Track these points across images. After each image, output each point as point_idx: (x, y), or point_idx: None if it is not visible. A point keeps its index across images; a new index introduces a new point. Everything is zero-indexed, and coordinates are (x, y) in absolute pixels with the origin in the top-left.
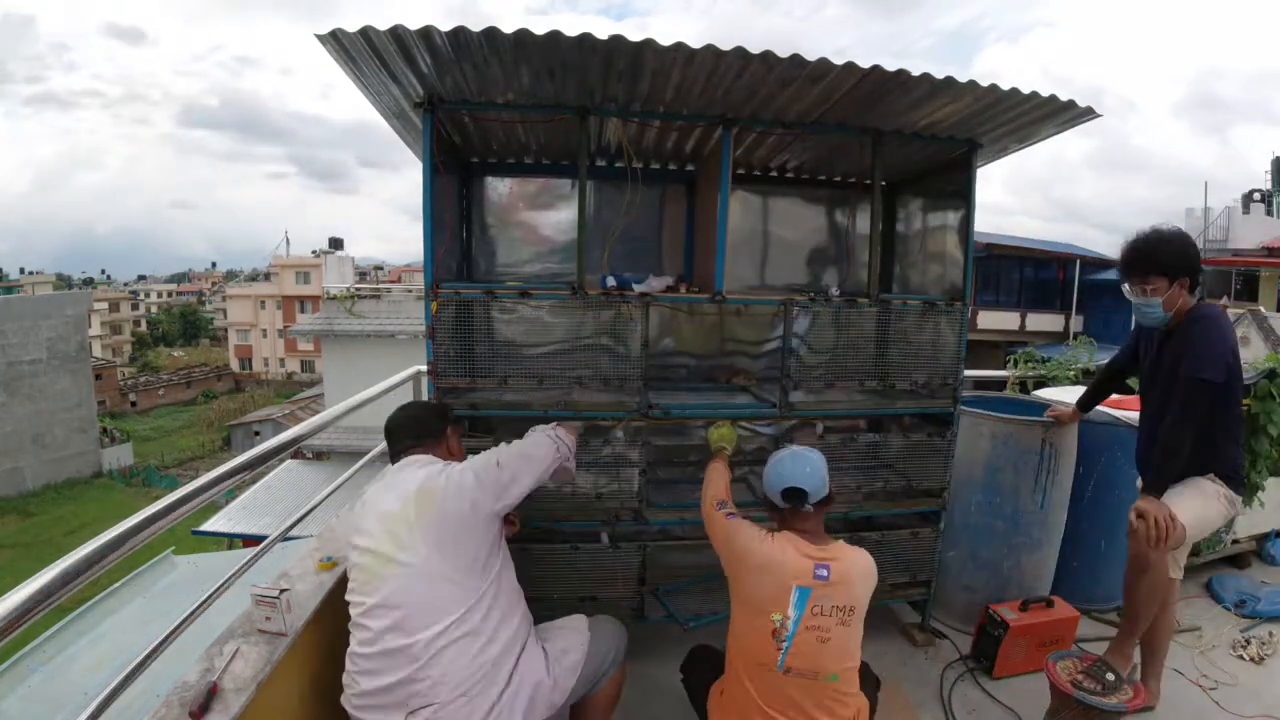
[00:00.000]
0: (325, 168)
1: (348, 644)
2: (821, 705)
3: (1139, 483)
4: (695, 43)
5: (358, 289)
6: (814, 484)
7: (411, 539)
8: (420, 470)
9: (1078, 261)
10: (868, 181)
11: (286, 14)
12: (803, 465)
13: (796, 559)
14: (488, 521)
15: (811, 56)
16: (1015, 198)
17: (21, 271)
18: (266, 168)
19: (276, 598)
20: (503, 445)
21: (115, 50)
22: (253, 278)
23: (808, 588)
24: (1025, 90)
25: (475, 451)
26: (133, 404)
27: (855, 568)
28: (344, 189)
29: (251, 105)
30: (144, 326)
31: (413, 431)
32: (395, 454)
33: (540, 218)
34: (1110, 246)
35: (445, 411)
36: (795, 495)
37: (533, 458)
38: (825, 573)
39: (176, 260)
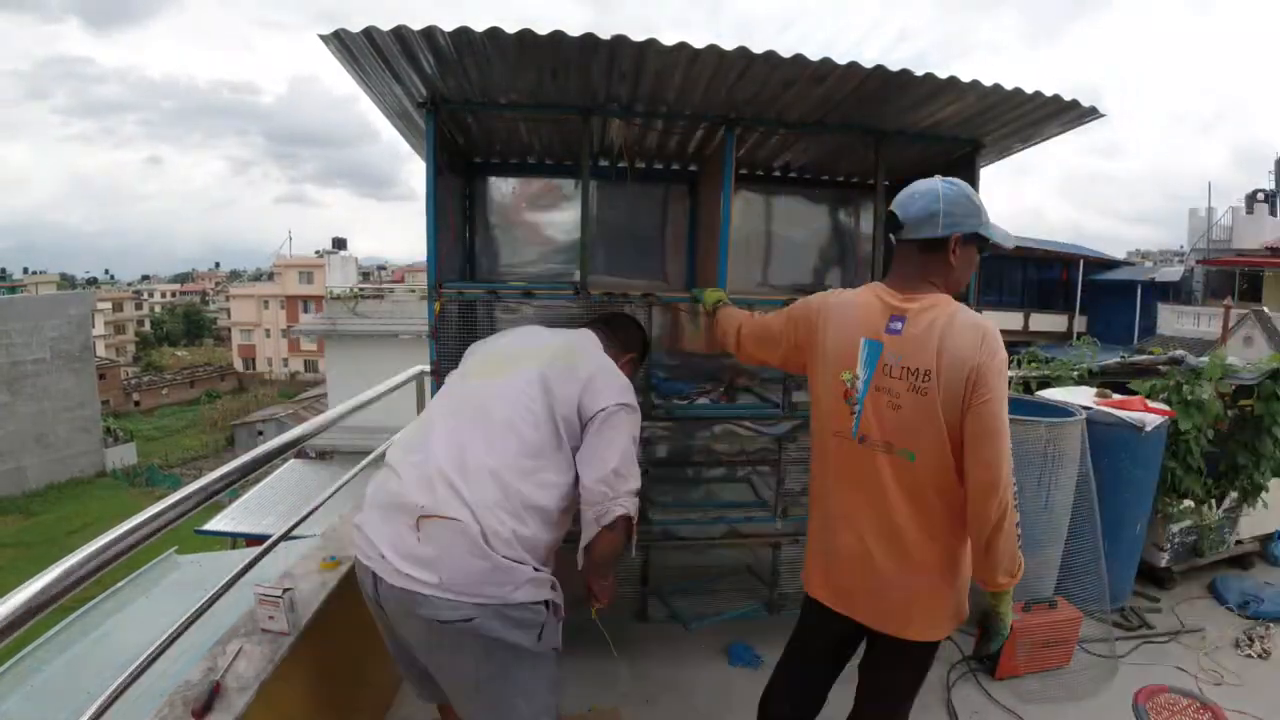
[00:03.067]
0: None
1: (351, 642)
2: (903, 484)
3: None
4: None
5: (360, 289)
6: (911, 209)
7: (528, 366)
8: (594, 345)
9: (1081, 261)
10: (871, 181)
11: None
12: (911, 191)
13: (874, 305)
14: (571, 422)
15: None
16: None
17: (25, 271)
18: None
19: (279, 597)
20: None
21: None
22: (256, 277)
23: (878, 341)
24: (1029, 90)
25: None
26: (136, 403)
27: (940, 324)
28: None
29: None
30: (147, 326)
31: (618, 329)
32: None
33: (543, 218)
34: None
35: (644, 337)
36: (888, 223)
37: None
38: (899, 325)
39: (180, 260)
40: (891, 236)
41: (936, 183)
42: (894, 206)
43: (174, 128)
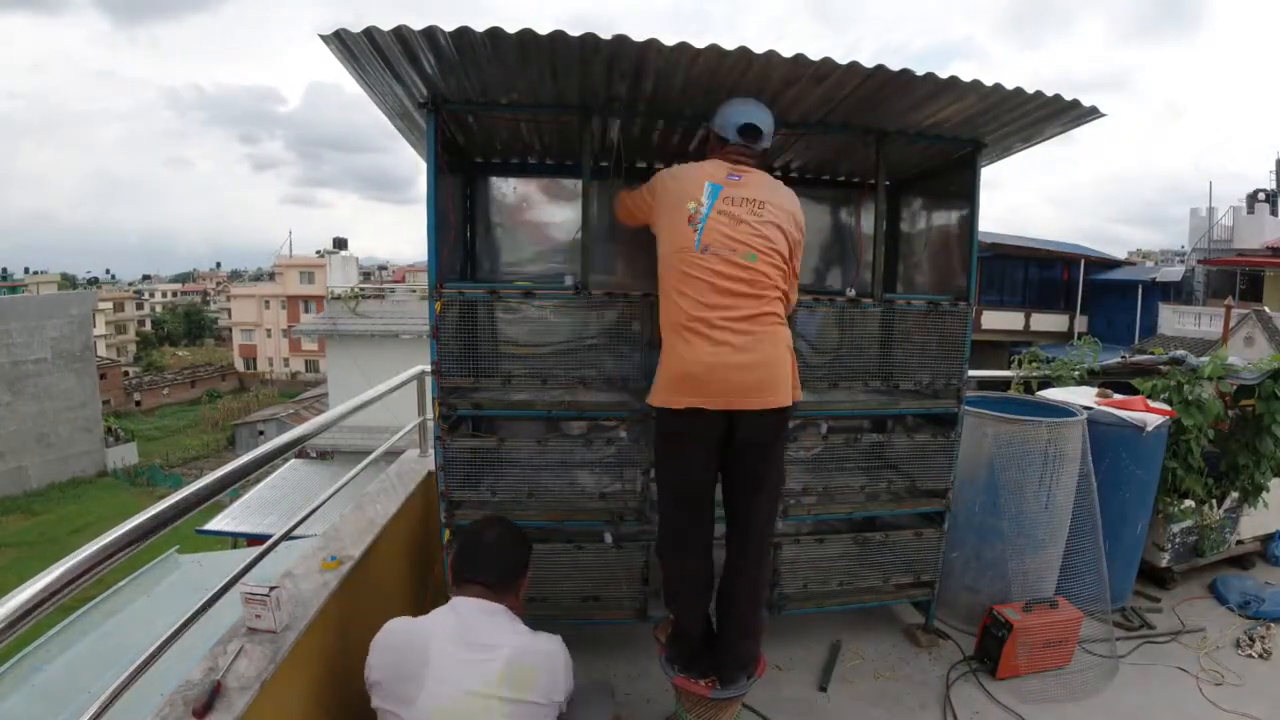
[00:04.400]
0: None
1: (352, 643)
2: (741, 283)
3: None
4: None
5: (361, 288)
6: (768, 125)
7: (504, 710)
8: (509, 631)
9: (1082, 261)
10: (872, 181)
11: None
12: (760, 108)
13: (714, 167)
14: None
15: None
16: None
17: (26, 271)
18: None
19: (266, 595)
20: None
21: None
22: (257, 277)
23: (719, 184)
24: (1029, 90)
25: (483, 456)
26: (137, 403)
27: (766, 179)
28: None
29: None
30: (149, 326)
31: (496, 568)
32: (463, 581)
33: (544, 218)
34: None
35: (529, 553)
36: (750, 130)
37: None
38: (738, 176)
39: (181, 260)
40: (740, 139)
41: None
42: (757, 121)
43: (193, 131)
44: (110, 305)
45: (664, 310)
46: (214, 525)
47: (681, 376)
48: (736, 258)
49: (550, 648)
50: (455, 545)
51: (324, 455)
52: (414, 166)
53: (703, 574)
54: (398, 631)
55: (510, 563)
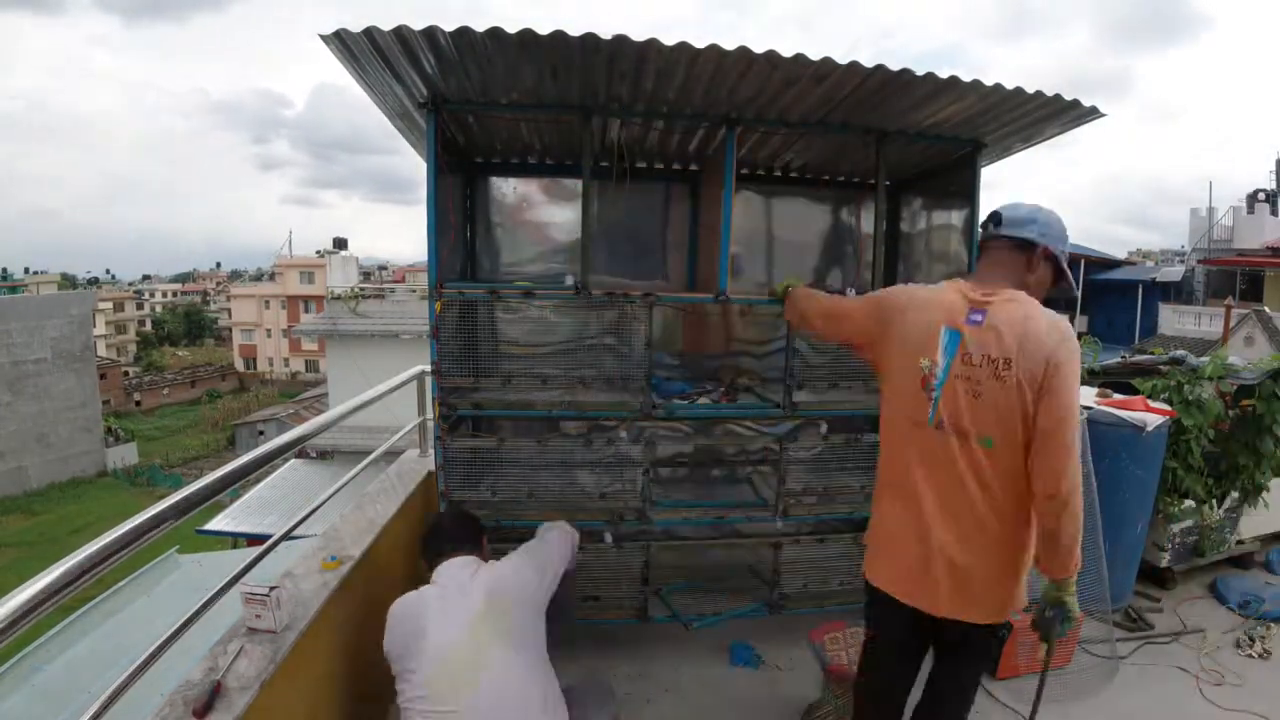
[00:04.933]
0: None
1: (352, 642)
2: (976, 470)
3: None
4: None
5: (361, 289)
6: (1016, 211)
7: (493, 640)
8: (482, 572)
9: (1082, 261)
10: (872, 181)
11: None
12: (1015, 203)
13: (952, 298)
14: (542, 611)
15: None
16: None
17: (26, 271)
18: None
19: (266, 595)
20: (533, 543)
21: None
22: (257, 277)
23: (957, 330)
24: (1029, 90)
25: (483, 456)
26: (137, 403)
27: (1019, 315)
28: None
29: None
30: (149, 326)
31: (459, 536)
32: (438, 555)
33: (544, 217)
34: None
35: (479, 520)
36: (991, 218)
37: (563, 555)
38: (980, 317)
39: (181, 259)
40: (985, 231)
41: (1037, 205)
42: (999, 208)
43: (198, 133)
44: (110, 305)
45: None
46: (214, 525)
47: (882, 556)
48: (972, 443)
49: (511, 561)
50: (420, 541)
51: (324, 455)
52: (418, 167)
53: None
54: (400, 605)
55: (467, 529)
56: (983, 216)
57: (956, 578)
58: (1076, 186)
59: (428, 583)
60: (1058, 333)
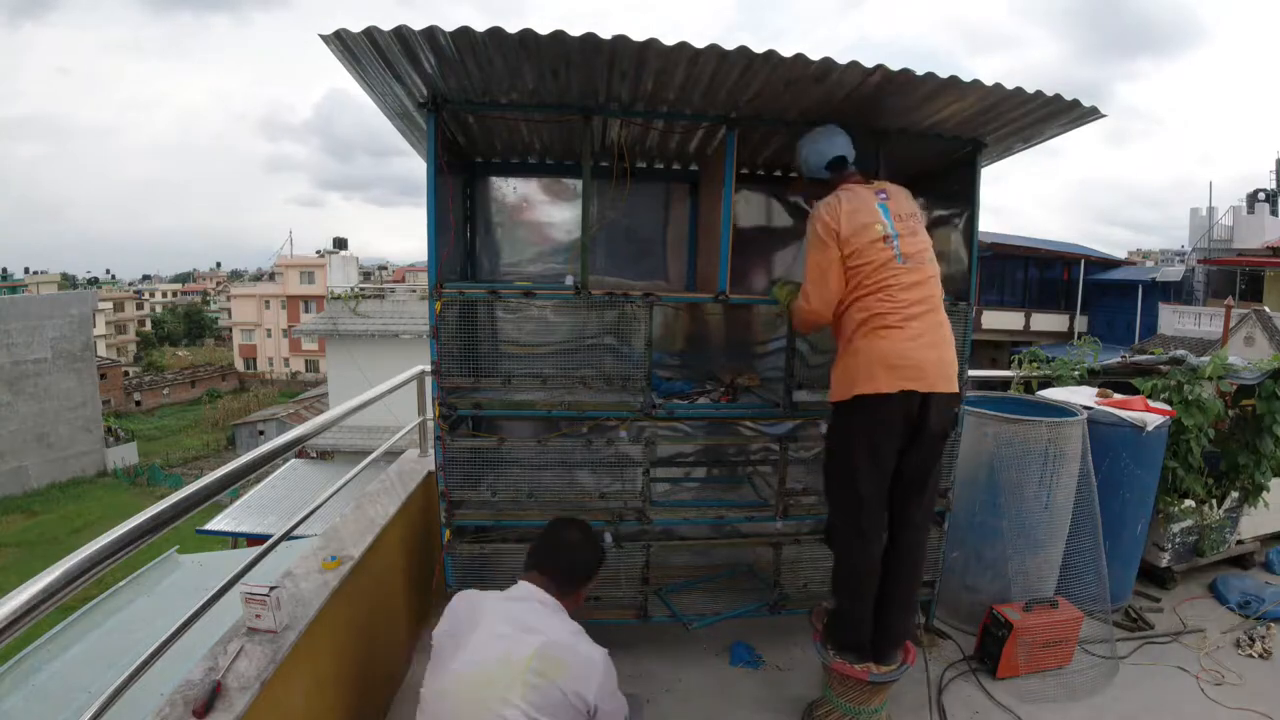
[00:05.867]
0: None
1: (352, 642)
2: (927, 284)
3: None
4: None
5: (361, 289)
6: (850, 150)
7: (520, 695)
8: (557, 624)
9: (1082, 261)
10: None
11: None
12: (837, 135)
13: (864, 190)
14: (585, 717)
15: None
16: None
17: (26, 271)
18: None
19: (266, 595)
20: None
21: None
22: (257, 277)
23: (883, 203)
24: (1029, 89)
25: (483, 456)
26: (137, 403)
27: (903, 194)
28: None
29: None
30: (149, 326)
31: (562, 567)
32: (532, 565)
33: (544, 217)
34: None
35: (599, 562)
36: (839, 162)
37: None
38: (884, 194)
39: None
40: (842, 169)
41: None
42: (839, 152)
43: (208, 135)
44: (110, 305)
45: (852, 318)
46: (214, 525)
47: (888, 366)
48: (925, 263)
49: (591, 653)
50: (539, 535)
51: (324, 455)
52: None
53: (878, 559)
54: (463, 598)
55: (579, 563)
56: (983, 216)
57: (943, 364)
58: (1061, 187)
59: (443, 598)
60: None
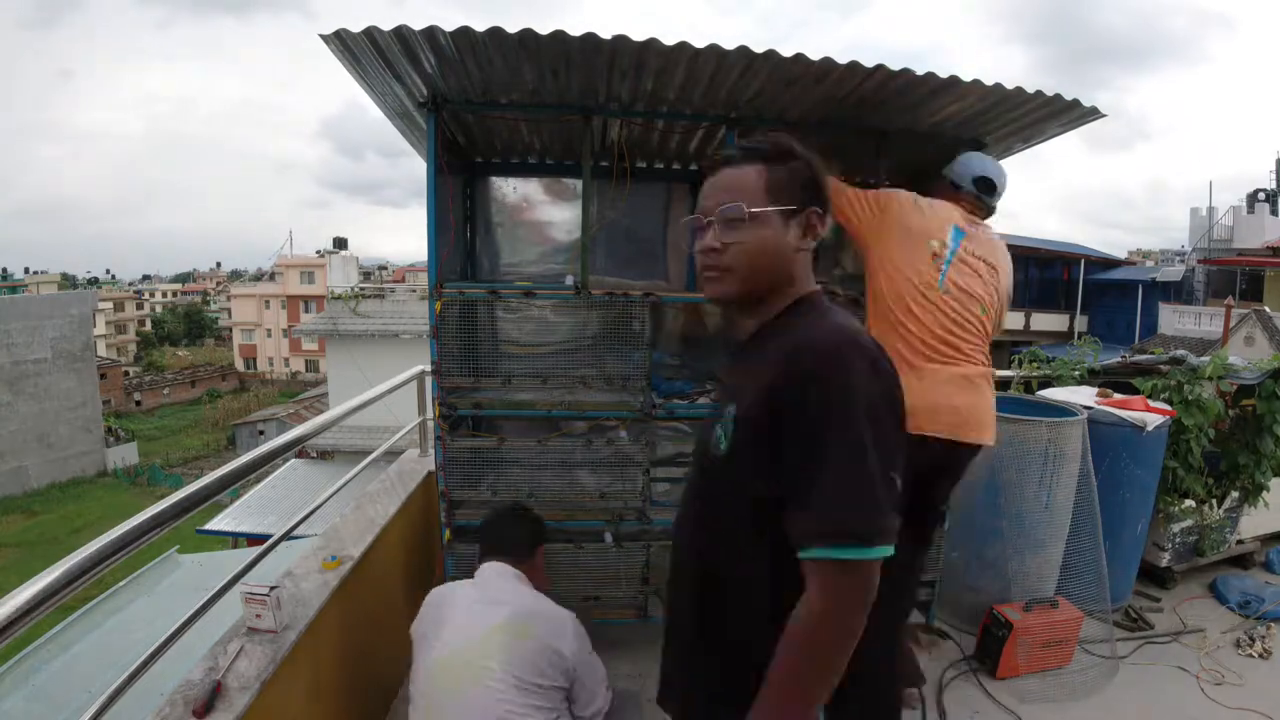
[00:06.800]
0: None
1: (353, 642)
2: (971, 330)
3: None
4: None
5: (361, 288)
6: (1003, 184)
7: (499, 661)
8: (524, 593)
9: (1082, 261)
10: (873, 181)
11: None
12: (998, 166)
13: (953, 210)
14: (559, 676)
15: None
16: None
17: (26, 271)
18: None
19: (267, 595)
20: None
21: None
22: (257, 277)
23: (962, 230)
24: (1030, 90)
25: (483, 456)
26: (137, 403)
27: (998, 246)
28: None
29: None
30: (149, 326)
31: (505, 540)
32: (484, 553)
33: (544, 217)
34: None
35: (542, 527)
36: (985, 184)
37: (599, 681)
38: (974, 228)
39: (181, 259)
40: (975, 190)
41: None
42: (992, 176)
43: (209, 138)
44: (110, 305)
45: (882, 330)
46: (214, 525)
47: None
48: (973, 306)
49: (557, 611)
50: (480, 527)
51: (324, 455)
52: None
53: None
54: (434, 594)
55: (524, 533)
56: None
57: (978, 410)
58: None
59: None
60: (1009, 257)
